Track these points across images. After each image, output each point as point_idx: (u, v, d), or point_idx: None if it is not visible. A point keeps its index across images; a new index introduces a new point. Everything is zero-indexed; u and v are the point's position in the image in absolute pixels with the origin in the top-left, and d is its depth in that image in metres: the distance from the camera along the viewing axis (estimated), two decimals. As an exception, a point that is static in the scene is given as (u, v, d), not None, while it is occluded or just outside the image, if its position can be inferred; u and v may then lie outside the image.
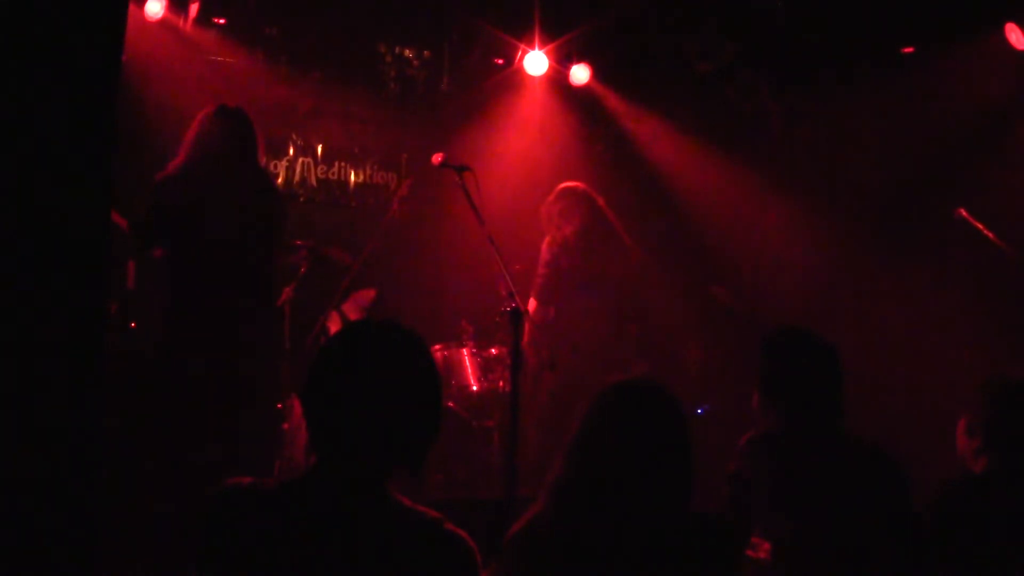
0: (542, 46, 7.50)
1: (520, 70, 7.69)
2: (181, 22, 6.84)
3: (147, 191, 4.98)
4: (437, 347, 6.41)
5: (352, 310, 6.73)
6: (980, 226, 6.07)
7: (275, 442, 5.70)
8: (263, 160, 5.38)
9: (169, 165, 5.05)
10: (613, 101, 8.05)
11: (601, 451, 2.59)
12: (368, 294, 6.81)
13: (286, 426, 6.03)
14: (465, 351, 6.57)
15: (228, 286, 4.97)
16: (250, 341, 5.04)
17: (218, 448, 4.84)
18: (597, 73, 7.83)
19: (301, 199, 7.69)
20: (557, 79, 7.88)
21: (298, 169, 7.81)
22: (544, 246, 6.46)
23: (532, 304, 6.26)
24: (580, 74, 7.80)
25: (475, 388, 6.45)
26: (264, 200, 5.19)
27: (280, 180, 7.56)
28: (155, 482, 4.88)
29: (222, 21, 7.10)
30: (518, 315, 4.68)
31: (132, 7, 6.35)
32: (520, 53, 7.59)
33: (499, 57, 7.85)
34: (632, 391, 2.69)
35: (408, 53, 7.84)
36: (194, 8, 6.83)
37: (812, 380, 3.33)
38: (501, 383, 6.34)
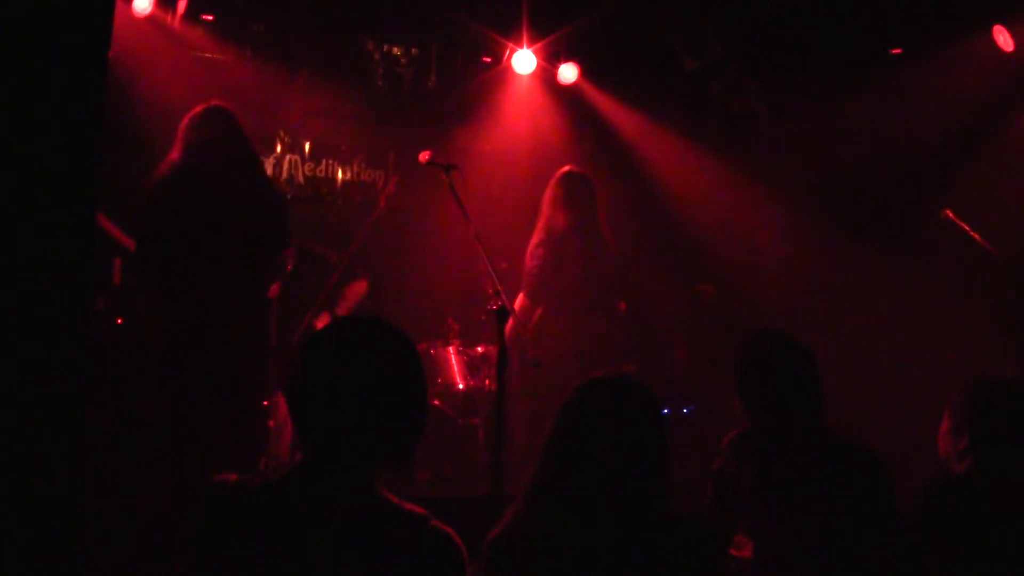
0: (530, 44, 7.49)
1: (508, 68, 7.68)
2: (169, 18, 6.82)
3: (140, 198, 4.99)
4: (423, 345, 6.41)
5: (343, 306, 6.73)
6: (966, 227, 6.10)
7: (261, 439, 5.70)
8: (257, 156, 5.38)
9: (159, 167, 5.05)
10: (601, 99, 8.05)
11: (573, 451, 2.51)
12: (360, 287, 6.82)
13: (271, 423, 6.04)
14: (451, 349, 6.57)
15: (219, 284, 4.97)
16: (239, 338, 5.02)
17: (205, 445, 4.84)
18: (585, 72, 7.84)
19: (288, 196, 7.67)
20: (545, 77, 7.87)
21: (285, 166, 7.81)
22: (533, 241, 6.18)
23: (520, 300, 6.07)
24: (568, 72, 7.80)
25: (461, 386, 6.46)
26: (256, 197, 5.17)
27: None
28: (143, 479, 4.88)
29: (210, 17, 7.09)
30: (504, 313, 4.68)
31: (120, 3, 6.33)
32: (508, 51, 7.57)
33: (487, 55, 7.84)
34: (602, 388, 2.59)
35: (396, 51, 7.83)
36: (182, 4, 6.81)
37: (788, 384, 3.32)
38: (487, 381, 6.34)
